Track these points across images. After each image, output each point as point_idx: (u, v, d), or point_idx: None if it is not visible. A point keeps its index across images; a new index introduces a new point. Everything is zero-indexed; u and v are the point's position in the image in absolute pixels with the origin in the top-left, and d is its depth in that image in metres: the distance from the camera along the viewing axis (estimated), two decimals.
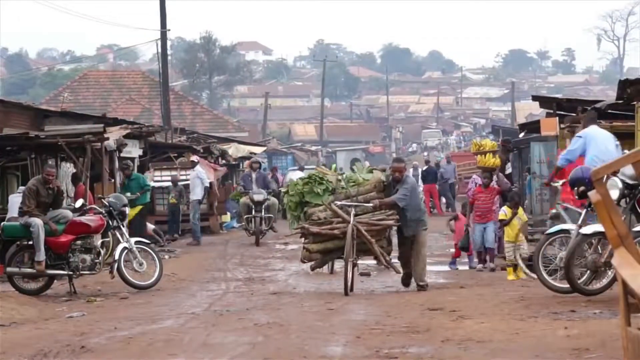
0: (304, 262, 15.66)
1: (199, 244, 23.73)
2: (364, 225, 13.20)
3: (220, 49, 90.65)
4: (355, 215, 13.24)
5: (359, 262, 14.09)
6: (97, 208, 14.95)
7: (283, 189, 15.38)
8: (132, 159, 23.00)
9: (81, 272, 14.18)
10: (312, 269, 14.44)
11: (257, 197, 23.22)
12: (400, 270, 13.85)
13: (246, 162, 36.29)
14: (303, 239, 13.92)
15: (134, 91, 50.81)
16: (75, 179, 19.45)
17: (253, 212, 23.19)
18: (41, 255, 13.91)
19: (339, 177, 14.09)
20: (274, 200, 24.03)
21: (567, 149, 13.87)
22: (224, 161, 33.05)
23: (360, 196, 13.67)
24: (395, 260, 14.04)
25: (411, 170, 33.30)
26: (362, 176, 14.04)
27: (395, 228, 13.68)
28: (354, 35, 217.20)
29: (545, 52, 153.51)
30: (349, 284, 13.05)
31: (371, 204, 13.38)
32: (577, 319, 9.48)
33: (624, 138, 16.73)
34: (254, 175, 23.96)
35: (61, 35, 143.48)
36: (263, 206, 23.23)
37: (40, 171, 16.16)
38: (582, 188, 11.94)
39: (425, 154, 67.20)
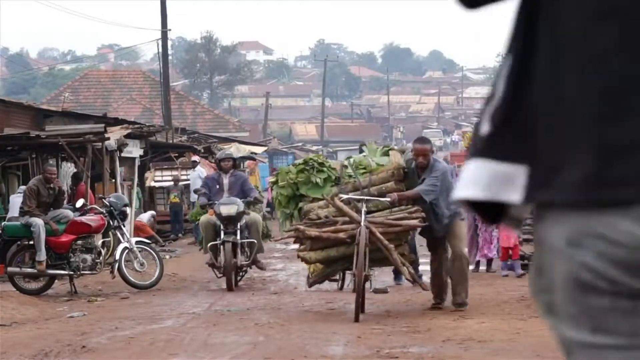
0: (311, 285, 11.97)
1: None
2: (379, 227, 10.06)
3: (221, 48, 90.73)
4: (368, 212, 10.19)
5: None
6: (98, 208, 14.96)
7: (271, 179, 11.99)
8: (133, 159, 23.01)
9: (82, 272, 14.18)
10: (310, 285, 11.62)
11: (227, 211, 13.80)
12: (428, 286, 10.79)
13: (247, 162, 36.26)
14: (298, 245, 10.92)
15: (135, 91, 50.82)
16: (76, 178, 19.47)
17: (222, 236, 13.83)
18: (42, 255, 13.91)
19: (345, 163, 11.04)
20: (254, 216, 14.49)
21: None
22: None
23: (374, 187, 10.45)
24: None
25: None
26: (375, 160, 10.85)
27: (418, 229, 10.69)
28: (354, 35, 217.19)
29: None
30: (361, 304, 10.13)
31: (388, 199, 10.23)
32: None
33: None
34: (225, 180, 14.48)
35: (62, 35, 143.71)
36: (239, 225, 13.95)
37: (41, 171, 16.16)
38: None
39: None
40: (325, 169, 10.97)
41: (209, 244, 14.08)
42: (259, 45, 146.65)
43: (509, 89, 1.55)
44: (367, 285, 10.81)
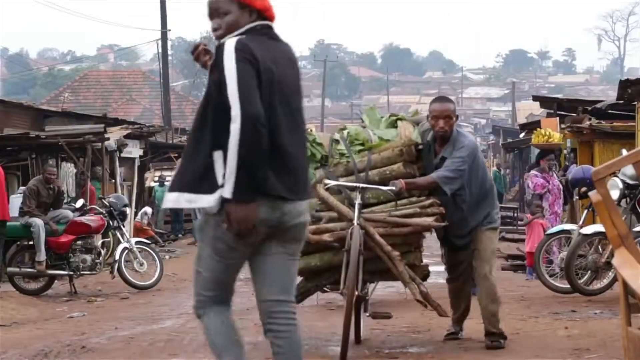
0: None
1: None
2: (379, 226, 7.15)
3: None
4: (365, 206, 7.27)
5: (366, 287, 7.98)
6: (98, 208, 14.97)
7: None
8: (133, 159, 23.01)
9: (82, 272, 14.20)
10: (298, 302, 7.63)
11: None
12: (447, 312, 7.90)
13: None
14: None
15: (135, 91, 50.86)
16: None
17: None
18: (42, 256, 13.93)
19: (336, 137, 7.70)
20: None
21: None
22: None
23: (374, 171, 7.44)
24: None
25: None
26: (378, 133, 7.70)
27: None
28: (354, 36, 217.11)
29: (546, 52, 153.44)
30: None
31: (393, 187, 7.15)
32: (578, 319, 9.48)
33: (625, 138, 16.76)
34: None
35: (62, 35, 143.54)
36: None
37: (40, 171, 16.18)
38: (583, 189, 12.02)
39: None
40: (311, 145, 7.49)
41: None
42: None
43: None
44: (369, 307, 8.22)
